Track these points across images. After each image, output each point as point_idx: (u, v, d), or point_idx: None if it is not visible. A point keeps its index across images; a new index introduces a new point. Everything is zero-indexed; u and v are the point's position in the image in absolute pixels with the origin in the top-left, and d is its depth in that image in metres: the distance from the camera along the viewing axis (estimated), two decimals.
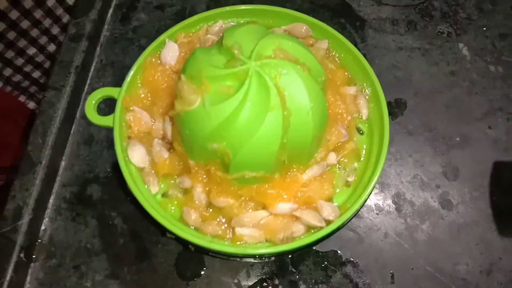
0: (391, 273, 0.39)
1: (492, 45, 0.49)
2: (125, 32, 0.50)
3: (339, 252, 0.40)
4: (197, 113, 0.27)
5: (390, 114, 0.46)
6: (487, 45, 0.49)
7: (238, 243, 0.29)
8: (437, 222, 0.41)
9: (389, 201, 0.42)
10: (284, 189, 0.29)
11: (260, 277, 0.38)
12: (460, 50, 0.49)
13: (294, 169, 0.30)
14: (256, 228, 0.29)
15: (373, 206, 0.42)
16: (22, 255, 0.38)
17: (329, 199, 0.30)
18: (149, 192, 0.32)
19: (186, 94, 0.26)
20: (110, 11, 0.50)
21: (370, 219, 0.41)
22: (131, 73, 0.33)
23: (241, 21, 0.36)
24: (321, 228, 0.29)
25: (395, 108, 0.46)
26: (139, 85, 0.34)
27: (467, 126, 0.45)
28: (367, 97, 0.34)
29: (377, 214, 0.41)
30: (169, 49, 0.33)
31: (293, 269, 0.38)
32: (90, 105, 0.32)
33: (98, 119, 0.32)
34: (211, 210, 0.30)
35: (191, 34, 0.35)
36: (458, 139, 0.44)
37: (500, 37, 0.49)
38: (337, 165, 0.31)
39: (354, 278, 0.39)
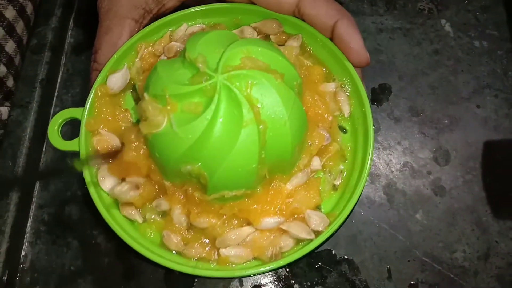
0: (387, 267, 0.38)
1: (475, 19, 0.47)
2: (90, 36, 0.47)
3: (333, 251, 0.39)
4: (165, 135, 0.25)
5: (374, 100, 0.44)
6: (470, 19, 0.47)
7: (225, 265, 0.27)
8: (431, 210, 0.40)
9: (380, 193, 0.41)
10: (268, 202, 0.27)
11: (254, 284, 0.37)
12: (443, 26, 0.47)
13: (277, 180, 0.28)
14: (243, 247, 0.27)
15: (364, 199, 0.40)
16: (3, 285, 0.37)
17: (317, 207, 0.29)
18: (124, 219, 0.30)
19: (151, 115, 0.24)
20: (72, 16, 0.47)
21: (362, 213, 0.40)
22: (92, 93, 0.31)
23: (207, 22, 0.34)
24: (311, 240, 0.27)
25: (380, 94, 0.44)
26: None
27: (455, 107, 0.44)
28: (347, 93, 0.32)
29: (369, 207, 0.40)
30: (116, 78, 0.30)
31: (287, 273, 0.37)
32: (53, 131, 0.30)
33: (62, 145, 0.30)
34: (192, 232, 0.29)
35: (151, 44, 0.32)
36: (446, 121, 0.43)
37: (482, 10, 0.47)
38: (322, 169, 0.30)
39: (350, 277, 0.38)
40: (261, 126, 0.25)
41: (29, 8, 0.38)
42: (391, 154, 0.42)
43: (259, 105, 0.25)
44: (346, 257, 0.38)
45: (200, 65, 0.25)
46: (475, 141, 0.42)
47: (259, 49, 0.26)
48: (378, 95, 0.44)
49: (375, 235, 0.39)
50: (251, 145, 0.25)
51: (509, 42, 0.46)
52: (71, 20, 0.47)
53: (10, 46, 0.36)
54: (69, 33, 0.47)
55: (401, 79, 0.45)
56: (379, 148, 0.42)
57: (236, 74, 0.25)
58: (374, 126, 0.31)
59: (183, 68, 0.26)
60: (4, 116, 0.36)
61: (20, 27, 0.37)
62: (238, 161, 0.25)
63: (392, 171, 0.41)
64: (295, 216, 0.28)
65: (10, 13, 0.35)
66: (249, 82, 0.25)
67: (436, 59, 0.45)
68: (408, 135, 0.42)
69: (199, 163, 0.26)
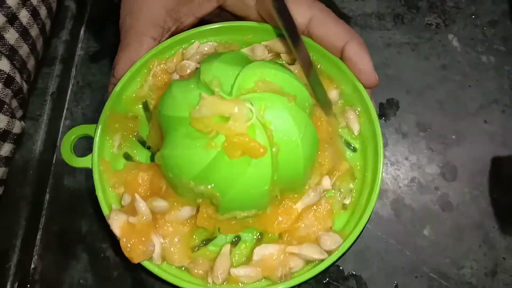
0: (395, 283, 0.38)
1: (483, 34, 0.47)
2: (100, 48, 0.47)
3: (340, 266, 0.39)
4: (180, 156, 0.26)
5: (382, 115, 0.44)
6: (477, 34, 0.47)
7: (235, 284, 0.27)
8: (439, 226, 0.40)
9: (388, 208, 0.41)
10: (276, 226, 0.28)
11: None
12: (450, 41, 0.47)
13: (288, 200, 0.28)
14: (252, 267, 0.27)
15: (372, 214, 0.40)
16: None
17: (329, 229, 0.29)
18: None
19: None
20: (83, 28, 0.48)
21: (370, 228, 0.40)
22: (105, 113, 0.31)
23: (218, 40, 0.34)
24: (322, 260, 0.27)
25: (387, 109, 0.44)
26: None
27: (463, 122, 0.44)
28: (357, 111, 0.32)
29: (377, 222, 0.40)
30: None
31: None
32: (66, 147, 0.30)
33: (75, 161, 0.31)
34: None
35: (164, 62, 0.33)
36: (454, 136, 0.43)
37: (489, 25, 0.48)
38: (332, 188, 0.30)
39: None
40: (274, 149, 0.25)
41: (48, 25, 0.39)
42: (398, 170, 0.42)
43: (272, 128, 0.25)
44: (353, 272, 0.38)
45: (216, 88, 0.25)
46: (482, 156, 0.42)
47: (272, 72, 0.27)
48: (385, 110, 0.44)
49: (382, 251, 0.39)
50: (264, 167, 0.25)
51: None
52: (82, 33, 0.48)
53: (31, 64, 0.37)
54: (79, 45, 0.47)
55: (409, 94, 0.45)
56: (387, 163, 0.42)
57: (250, 97, 0.25)
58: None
59: (198, 89, 0.26)
60: (17, 130, 0.36)
61: (39, 44, 0.38)
62: (251, 183, 0.26)
63: (400, 187, 0.41)
64: (306, 240, 0.28)
65: (34, 31, 0.36)
66: (263, 105, 0.25)
67: (443, 74, 0.46)
68: (416, 150, 0.43)
69: (212, 184, 0.26)
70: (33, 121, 0.42)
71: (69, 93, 0.45)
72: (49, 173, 0.42)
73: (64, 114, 0.44)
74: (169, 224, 0.28)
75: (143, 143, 0.34)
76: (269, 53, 0.33)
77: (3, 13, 0.32)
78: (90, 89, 0.45)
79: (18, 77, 0.35)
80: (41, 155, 0.41)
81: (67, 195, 0.41)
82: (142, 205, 0.27)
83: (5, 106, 0.34)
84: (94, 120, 0.44)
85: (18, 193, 0.39)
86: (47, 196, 0.41)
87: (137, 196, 0.27)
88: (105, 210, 0.29)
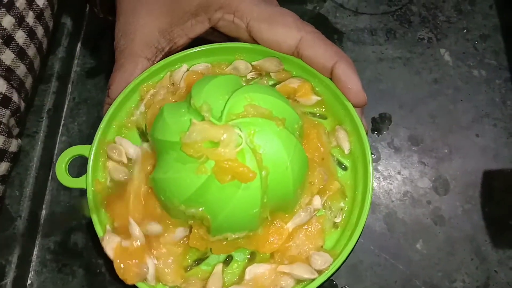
0: None
1: (474, 48, 0.48)
2: (96, 65, 0.48)
3: (334, 281, 0.39)
4: (171, 180, 0.26)
5: (375, 130, 0.45)
6: (468, 48, 0.48)
7: None
8: (431, 240, 0.40)
9: (381, 222, 0.41)
10: (268, 246, 0.28)
11: None
12: (442, 56, 0.47)
13: (279, 219, 0.29)
14: (244, 286, 0.28)
15: (365, 228, 0.40)
16: None
17: (320, 249, 0.29)
18: None
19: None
20: (79, 45, 0.48)
21: (363, 242, 0.40)
22: (99, 133, 0.32)
23: (210, 61, 0.35)
24: (312, 280, 0.28)
25: (380, 123, 0.45)
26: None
27: (455, 136, 0.44)
28: (347, 130, 0.32)
29: (370, 236, 0.41)
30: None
31: None
32: (61, 168, 0.31)
33: (70, 182, 0.31)
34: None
35: (153, 86, 0.33)
36: (446, 150, 0.44)
37: (481, 39, 0.48)
38: (323, 207, 0.30)
39: None
40: (263, 172, 0.26)
41: (45, 43, 0.39)
42: (391, 184, 0.43)
43: (261, 152, 0.26)
44: (347, 287, 0.39)
45: (206, 114, 0.25)
46: (474, 170, 0.43)
47: (261, 96, 0.27)
48: (378, 124, 0.45)
49: (375, 265, 0.40)
50: (254, 190, 0.26)
51: (508, 71, 0.46)
52: (77, 50, 0.48)
53: (28, 82, 0.38)
54: (75, 62, 0.48)
55: (401, 108, 0.45)
56: (379, 178, 0.43)
57: (239, 122, 0.26)
58: (373, 160, 0.31)
59: (189, 114, 0.26)
60: (13, 148, 0.37)
61: (37, 63, 0.39)
62: (241, 206, 0.26)
63: (392, 201, 0.42)
64: (297, 259, 0.28)
65: (31, 51, 0.37)
66: (252, 130, 0.25)
67: (435, 88, 0.46)
68: (408, 165, 0.43)
69: (203, 207, 0.26)
70: (29, 138, 0.42)
71: (65, 109, 0.46)
72: (45, 189, 0.43)
73: (60, 131, 0.45)
74: (162, 246, 0.28)
75: None
76: (252, 69, 0.34)
77: None
78: (86, 105, 0.46)
79: (15, 97, 0.36)
80: (37, 172, 0.41)
81: (63, 211, 0.42)
82: (136, 230, 0.28)
83: (1, 125, 0.34)
84: (90, 137, 0.44)
85: (14, 209, 0.40)
86: (43, 212, 0.42)
87: (131, 220, 0.28)
88: (99, 232, 0.30)
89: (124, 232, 0.28)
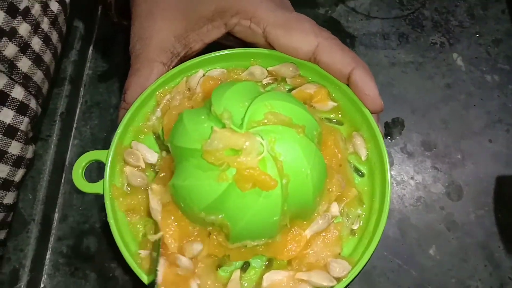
0: None
1: (487, 53, 0.48)
2: (108, 68, 0.48)
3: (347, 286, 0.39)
4: (191, 187, 0.26)
5: (388, 135, 0.45)
6: (481, 53, 0.48)
7: None
8: (444, 246, 0.40)
9: (394, 228, 0.41)
10: (286, 253, 0.28)
11: None
12: (455, 60, 0.47)
13: (297, 227, 0.29)
14: None
15: None
16: None
17: (338, 256, 0.29)
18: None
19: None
20: (91, 48, 0.48)
21: (376, 248, 0.40)
22: (116, 138, 0.31)
23: (226, 67, 0.35)
24: (332, 287, 0.28)
25: (393, 128, 0.45)
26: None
27: (467, 142, 0.44)
28: (364, 137, 0.32)
29: (383, 242, 0.40)
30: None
31: None
32: (77, 173, 0.31)
33: (87, 187, 0.31)
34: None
35: (169, 92, 0.33)
36: (459, 156, 0.44)
37: (493, 44, 0.48)
38: (340, 214, 0.30)
39: None
40: (284, 180, 0.26)
41: (59, 48, 0.40)
42: (404, 189, 0.42)
43: (282, 159, 0.26)
44: None
45: (226, 121, 0.25)
46: (487, 176, 0.43)
47: (281, 103, 0.27)
48: (391, 129, 0.45)
49: (388, 271, 0.40)
50: (275, 198, 0.26)
51: None
52: (90, 53, 0.48)
53: (45, 88, 0.38)
54: (88, 65, 0.48)
55: (414, 113, 0.45)
56: (392, 183, 0.43)
57: (260, 130, 0.26)
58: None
59: (209, 121, 0.26)
60: (29, 155, 0.37)
61: (52, 67, 0.39)
62: (261, 214, 0.26)
63: (405, 206, 0.42)
64: (315, 267, 0.28)
65: (47, 57, 0.37)
66: (273, 137, 0.25)
67: (448, 93, 0.46)
68: (421, 170, 0.43)
69: (223, 215, 0.26)
70: (42, 142, 0.42)
71: (77, 112, 0.46)
72: (58, 193, 0.43)
73: (73, 134, 0.45)
74: (200, 262, 0.28)
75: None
76: (268, 75, 0.34)
77: (15, 43, 0.32)
78: (99, 108, 0.46)
79: (33, 103, 0.36)
80: (50, 175, 0.41)
81: (76, 214, 0.42)
82: (185, 261, 0.27)
83: (19, 133, 0.34)
84: (102, 140, 0.45)
85: (27, 213, 0.40)
86: (56, 215, 0.42)
87: (180, 255, 0.27)
88: (117, 238, 0.30)
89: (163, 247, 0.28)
